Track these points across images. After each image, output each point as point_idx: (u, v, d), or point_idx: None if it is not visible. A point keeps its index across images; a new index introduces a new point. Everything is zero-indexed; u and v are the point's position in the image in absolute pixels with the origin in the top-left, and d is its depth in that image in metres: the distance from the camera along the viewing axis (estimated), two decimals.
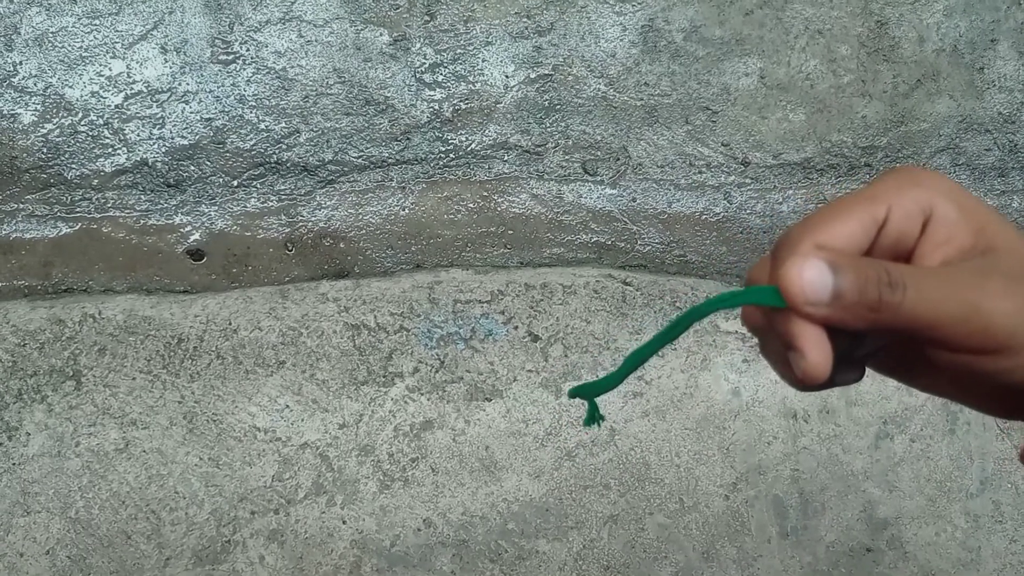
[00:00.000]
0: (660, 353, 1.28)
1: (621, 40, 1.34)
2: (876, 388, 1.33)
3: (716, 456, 1.29)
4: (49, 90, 1.22)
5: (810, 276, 0.34)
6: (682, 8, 1.35)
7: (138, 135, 1.24)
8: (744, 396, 1.31)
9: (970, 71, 1.42)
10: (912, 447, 1.35)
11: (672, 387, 1.29)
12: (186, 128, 1.25)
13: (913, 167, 0.38)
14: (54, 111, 1.22)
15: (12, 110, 1.21)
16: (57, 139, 1.22)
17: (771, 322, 0.37)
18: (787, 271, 0.35)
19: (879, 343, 0.41)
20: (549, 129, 1.34)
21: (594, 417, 0.46)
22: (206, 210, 1.27)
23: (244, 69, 1.26)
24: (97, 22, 1.22)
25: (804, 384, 0.36)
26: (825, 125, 1.39)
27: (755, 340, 1.35)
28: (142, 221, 1.26)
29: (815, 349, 0.35)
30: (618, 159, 1.36)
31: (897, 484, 1.34)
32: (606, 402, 1.27)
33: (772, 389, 1.31)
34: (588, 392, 0.43)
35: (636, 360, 0.41)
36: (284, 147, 1.27)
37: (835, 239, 0.36)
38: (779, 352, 0.38)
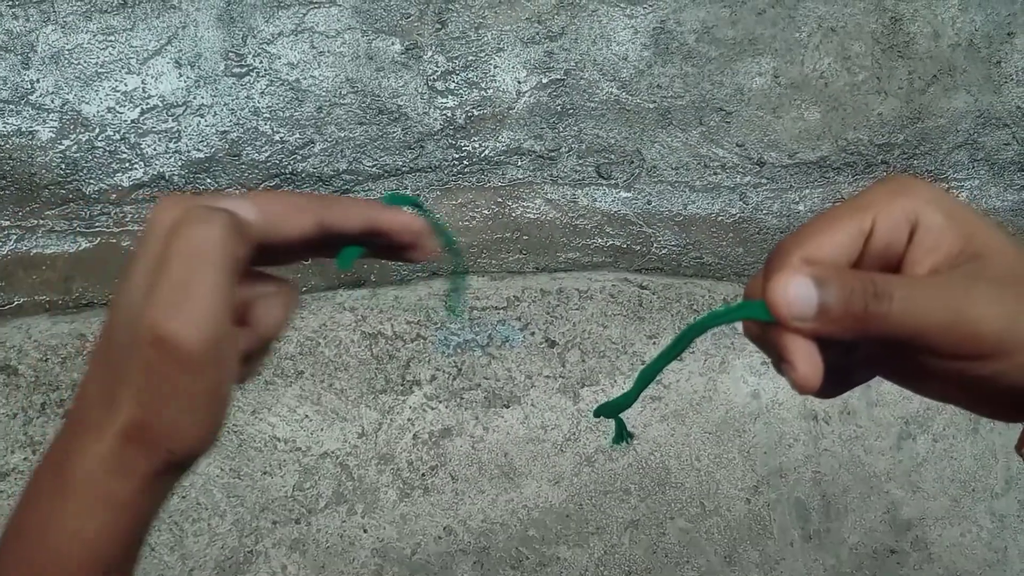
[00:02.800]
0: (679, 357, 1.27)
1: (633, 43, 1.34)
2: (897, 388, 1.31)
3: (736, 459, 1.28)
4: (66, 106, 1.23)
5: (795, 292, 0.35)
6: (693, 9, 1.34)
7: (155, 149, 1.25)
8: (764, 398, 1.30)
9: (987, 65, 1.41)
10: (935, 447, 1.33)
11: (691, 391, 1.29)
12: (202, 141, 1.26)
13: (904, 177, 0.38)
14: (71, 127, 1.23)
15: (30, 127, 1.22)
16: (75, 155, 1.24)
17: (765, 335, 0.38)
18: (772, 287, 0.35)
19: (876, 349, 0.41)
20: (562, 134, 1.34)
21: (622, 435, 0.46)
22: None
23: (258, 81, 1.26)
24: (112, 38, 1.23)
25: (800, 392, 0.37)
26: (840, 123, 1.38)
27: None
28: None
29: (804, 362, 0.36)
30: (632, 162, 1.35)
31: (920, 485, 1.32)
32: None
33: (792, 391, 1.30)
34: (611, 410, 0.43)
35: (646, 377, 0.42)
36: (299, 158, 1.28)
37: (822, 251, 0.36)
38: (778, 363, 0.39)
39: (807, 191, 1.39)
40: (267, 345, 0.45)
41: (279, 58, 1.27)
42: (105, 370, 0.37)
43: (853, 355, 0.41)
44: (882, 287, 0.35)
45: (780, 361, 0.37)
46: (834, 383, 0.42)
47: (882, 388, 1.32)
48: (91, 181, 1.24)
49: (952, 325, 0.34)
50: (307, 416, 1.22)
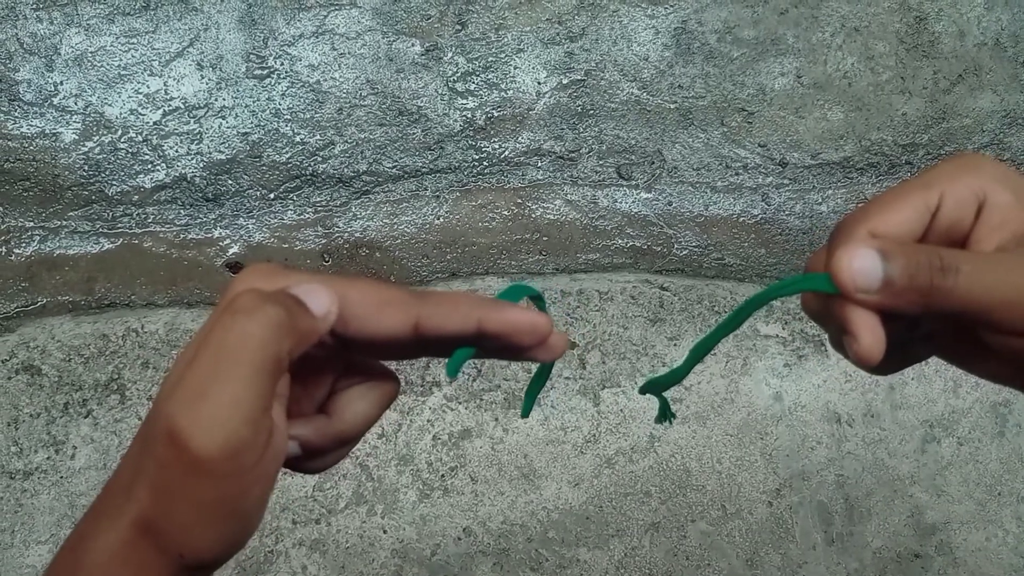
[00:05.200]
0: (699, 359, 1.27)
1: (654, 43, 1.33)
2: (922, 391, 1.30)
3: (758, 462, 1.27)
4: (89, 108, 1.24)
5: (860, 264, 0.35)
6: (715, 9, 1.33)
7: (176, 151, 1.26)
8: (786, 401, 1.29)
9: (1013, 65, 1.39)
10: (960, 450, 1.32)
11: (712, 392, 1.28)
12: (223, 143, 1.26)
13: (970, 153, 0.38)
14: (94, 129, 1.24)
15: (54, 129, 1.23)
16: (98, 156, 1.24)
17: (828, 308, 0.38)
18: (838, 260, 0.35)
19: (936, 325, 0.41)
20: (583, 134, 1.33)
21: (665, 414, 0.47)
22: (244, 223, 1.28)
23: (279, 83, 1.27)
24: (134, 41, 1.24)
25: (862, 365, 0.37)
26: (864, 123, 1.37)
27: (796, 344, 1.31)
28: (182, 235, 1.27)
29: (868, 334, 0.36)
30: (653, 163, 1.35)
31: (945, 488, 1.31)
32: (646, 409, 1.26)
33: (815, 393, 1.29)
34: (658, 386, 0.43)
35: (700, 351, 0.42)
36: (319, 159, 1.28)
37: (889, 226, 0.36)
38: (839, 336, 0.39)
39: (830, 192, 1.38)
40: (346, 439, 0.40)
41: (300, 60, 1.27)
42: (138, 454, 0.34)
43: (914, 330, 0.41)
44: (948, 261, 0.34)
45: (842, 334, 0.37)
46: (893, 359, 0.41)
47: (906, 390, 1.30)
48: (113, 183, 1.25)
49: (1017, 301, 0.34)
50: None
